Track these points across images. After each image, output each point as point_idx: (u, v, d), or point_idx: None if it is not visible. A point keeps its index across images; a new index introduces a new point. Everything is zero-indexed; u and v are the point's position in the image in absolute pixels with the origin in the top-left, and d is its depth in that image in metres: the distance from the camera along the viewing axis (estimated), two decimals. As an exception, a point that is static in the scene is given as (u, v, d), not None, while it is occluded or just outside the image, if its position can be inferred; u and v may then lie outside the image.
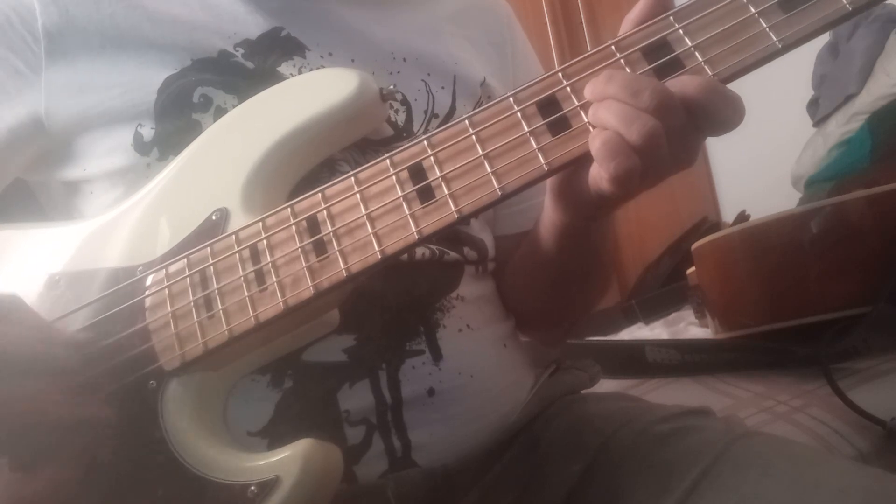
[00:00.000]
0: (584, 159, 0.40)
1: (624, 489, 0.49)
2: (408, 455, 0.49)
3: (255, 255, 0.44)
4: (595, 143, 0.39)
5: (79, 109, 0.51)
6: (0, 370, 0.41)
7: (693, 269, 0.99)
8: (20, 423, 0.42)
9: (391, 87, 0.48)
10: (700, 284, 0.96)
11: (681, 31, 0.39)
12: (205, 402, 0.46)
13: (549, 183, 0.47)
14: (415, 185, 0.42)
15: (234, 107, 0.50)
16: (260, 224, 0.45)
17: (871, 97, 1.32)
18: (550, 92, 0.41)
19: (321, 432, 0.43)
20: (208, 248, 0.45)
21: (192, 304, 0.45)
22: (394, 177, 0.42)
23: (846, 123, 1.35)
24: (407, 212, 0.41)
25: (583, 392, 0.63)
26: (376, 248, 0.42)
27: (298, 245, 0.43)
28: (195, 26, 0.52)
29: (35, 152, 0.54)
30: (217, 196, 0.47)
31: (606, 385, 0.67)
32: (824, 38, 1.50)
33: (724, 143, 2.01)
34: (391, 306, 0.50)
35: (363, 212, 0.42)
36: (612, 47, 0.41)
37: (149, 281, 0.46)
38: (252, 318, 0.43)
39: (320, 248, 0.43)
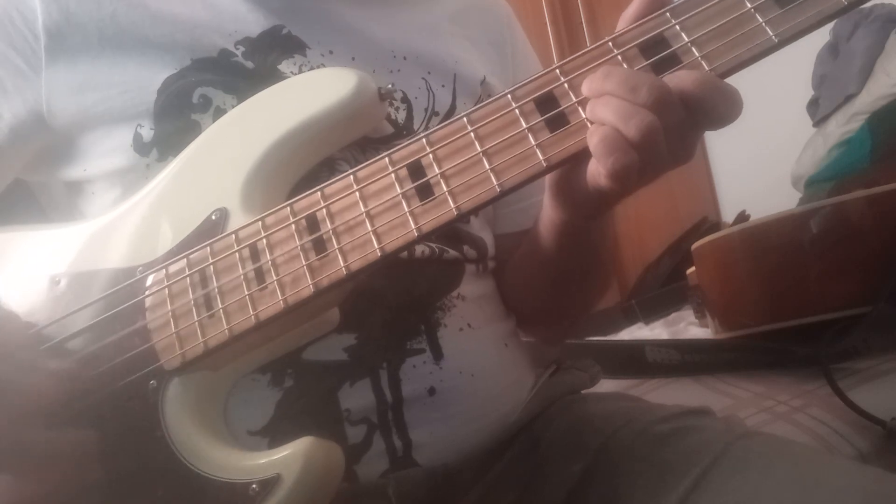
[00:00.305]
0: (583, 155, 0.40)
1: (624, 489, 0.49)
2: (408, 454, 0.48)
3: (255, 254, 0.44)
4: (593, 140, 0.39)
5: (79, 108, 0.51)
6: None
7: (693, 269, 0.99)
8: (20, 425, 0.42)
9: (390, 86, 0.48)
10: (700, 284, 0.96)
11: (677, 27, 0.39)
12: (205, 402, 0.46)
13: (548, 180, 0.47)
14: (414, 183, 0.42)
15: (233, 107, 0.50)
16: (259, 223, 0.45)
17: (871, 97, 1.32)
18: (548, 88, 0.41)
19: (322, 431, 0.43)
20: (208, 248, 0.46)
21: (192, 303, 0.45)
22: (393, 174, 0.42)
23: (846, 123, 1.35)
24: (406, 209, 0.42)
25: (583, 392, 0.63)
26: (376, 246, 0.42)
27: (298, 243, 0.43)
28: (196, 25, 0.52)
29: (36, 151, 0.54)
30: (216, 196, 0.47)
31: (606, 385, 0.67)
32: (824, 38, 1.50)
33: (724, 142, 2.02)
34: (392, 305, 0.50)
35: (362, 210, 0.42)
36: (610, 44, 0.41)
37: (149, 281, 0.46)
38: (252, 317, 0.43)
39: (320, 246, 0.43)
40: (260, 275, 0.44)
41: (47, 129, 0.52)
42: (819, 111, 1.47)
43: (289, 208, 0.44)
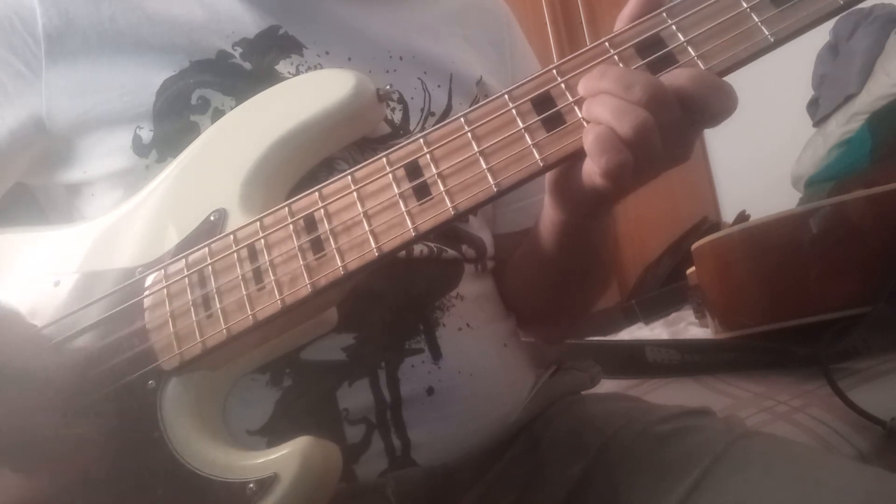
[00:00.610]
0: (580, 155, 0.40)
1: (625, 489, 0.49)
2: (407, 454, 0.49)
3: (253, 255, 0.44)
4: (588, 138, 0.39)
5: (79, 111, 0.51)
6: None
7: (693, 269, 0.99)
8: (20, 426, 0.42)
9: (388, 87, 0.48)
10: (700, 284, 0.96)
11: (674, 27, 0.40)
12: (204, 402, 0.46)
13: (547, 180, 0.47)
14: (411, 183, 0.42)
15: (231, 108, 0.50)
16: (258, 223, 0.45)
17: (871, 97, 1.32)
18: (545, 89, 0.41)
19: (321, 431, 0.43)
20: (206, 248, 0.46)
21: (191, 303, 0.45)
22: (390, 175, 0.42)
23: (846, 123, 1.35)
24: (403, 209, 0.42)
25: (583, 392, 0.63)
26: (373, 246, 0.42)
27: (296, 243, 0.44)
28: (194, 27, 0.52)
29: (36, 154, 0.54)
30: (215, 197, 0.47)
31: (606, 385, 0.67)
32: (824, 38, 1.50)
33: (724, 143, 2.02)
34: (390, 305, 0.50)
35: (360, 210, 0.43)
36: (606, 44, 0.41)
37: (148, 281, 0.46)
38: (250, 317, 0.43)
39: (317, 246, 0.43)
40: (258, 275, 0.44)
41: (47, 132, 0.52)
42: (819, 111, 1.47)
43: (287, 208, 0.45)
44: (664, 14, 0.40)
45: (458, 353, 0.52)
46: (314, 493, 0.42)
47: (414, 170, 0.42)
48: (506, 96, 0.42)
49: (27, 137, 0.53)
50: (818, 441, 0.66)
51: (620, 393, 0.67)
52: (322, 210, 0.43)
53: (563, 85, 0.41)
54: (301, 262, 0.43)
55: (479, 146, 0.41)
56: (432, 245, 0.53)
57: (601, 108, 0.39)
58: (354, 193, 0.43)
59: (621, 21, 0.41)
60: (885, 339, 0.76)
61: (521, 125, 0.41)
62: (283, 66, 0.53)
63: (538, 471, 0.53)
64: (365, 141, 0.52)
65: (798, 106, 1.55)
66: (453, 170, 0.41)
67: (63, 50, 0.51)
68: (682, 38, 0.39)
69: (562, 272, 0.57)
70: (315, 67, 0.53)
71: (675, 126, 0.39)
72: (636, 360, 0.90)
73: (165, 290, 0.46)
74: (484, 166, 0.41)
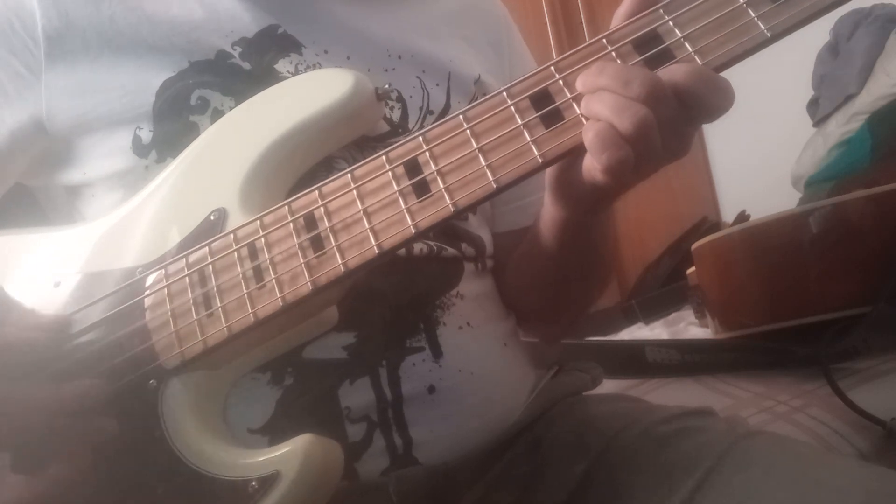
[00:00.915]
0: (579, 151, 0.40)
1: (627, 490, 0.49)
2: (409, 452, 0.49)
3: (253, 253, 0.44)
4: (588, 135, 0.39)
5: (78, 112, 0.51)
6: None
7: (693, 269, 0.99)
8: (20, 427, 0.42)
9: (386, 86, 0.49)
10: (700, 284, 0.96)
11: (671, 23, 0.40)
12: (205, 401, 0.46)
13: (547, 177, 0.48)
14: (410, 180, 0.42)
15: (230, 109, 0.50)
16: (258, 222, 0.45)
17: (871, 97, 1.32)
18: (543, 85, 0.41)
19: (322, 429, 0.44)
20: (207, 248, 0.46)
21: (192, 302, 0.45)
22: (390, 172, 0.43)
23: (846, 123, 1.35)
24: (403, 206, 0.42)
25: (584, 393, 0.63)
26: (373, 243, 0.42)
27: (296, 241, 0.44)
28: (193, 27, 0.52)
29: (36, 155, 0.54)
30: (215, 197, 0.47)
31: (606, 385, 0.67)
32: (824, 38, 1.50)
33: (724, 142, 2.02)
34: (391, 303, 0.50)
35: (359, 207, 0.43)
36: (604, 40, 0.41)
37: (148, 281, 0.47)
38: (251, 315, 0.43)
39: (317, 244, 0.43)
40: (258, 273, 0.44)
41: (47, 133, 0.52)
42: (819, 111, 1.47)
43: (287, 207, 0.45)
44: (661, 10, 0.40)
45: (459, 352, 0.52)
46: (316, 491, 0.42)
47: (413, 167, 0.42)
48: (504, 93, 0.42)
49: (27, 138, 0.53)
50: (818, 441, 0.66)
51: (621, 394, 0.67)
52: (322, 208, 0.44)
53: (561, 81, 0.41)
54: (301, 261, 0.43)
55: (477, 143, 0.41)
56: (432, 243, 0.53)
57: (600, 104, 0.39)
58: (354, 191, 0.43)
59: (618, 18, 0.42)
60: (885, 339, 0.76)
61: (519, 122, 0.41)
62: (282, 66, 0.53)
63: (539, 471, 0.53)
64: (364, 139, 0.52)
65: (798, 106, 1.55)
66: (452, 167, 0.41)
67: (63, 51, 0.51)
68: (679, 34, 0.39)
69: (562, 270, 0.57)
70: (314, 66, 0.54)
71: (673, 121, 0.39)
72: (636, 360, 0.90)
73: (166, 290, 0.46)
74: (483, 163, 0.41)
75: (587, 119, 0.40)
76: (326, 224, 0.43)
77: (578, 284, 0.60)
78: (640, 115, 0.38)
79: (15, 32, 0.52)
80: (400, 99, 0.55)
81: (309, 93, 0.49)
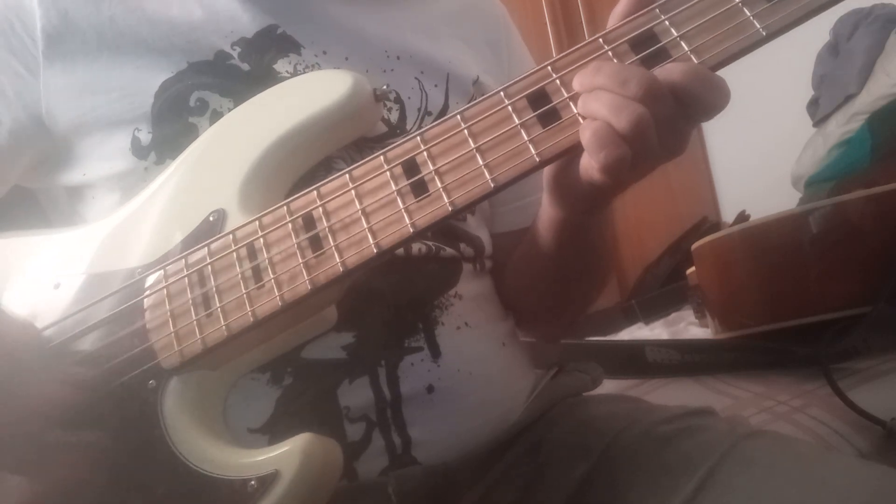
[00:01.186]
0: (576, 150, 0.41)
1: (629, 491, 0.49)
2: (408, 451, 0.49)
3: (252, 253, 0.45)
4: (585, 134, 0.39)
5: (77, 113, 0.52)
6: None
7: (693, 269, 0.99)
8: (20, 428, 0.42)
9: (385, 87, 0.49)
10: (700, 284, 0.96)
11: (667, 23, 0.40)
12: (204, 401, 0.46)
13: (545, 178, 0.48)
14: (408, 180, 0.42)
15: (229, 110, 0.51)
16: (256, 223, 0.45)
17: (871, 97, 1.32)
18: (540, 85, 0.41)
19: (321, 429, 0.44)
20: (206, 248, 0.46)
21: (191, 302, 0.45)
22: (388, 172, 0.43)
23: (846, 123, 1.35)
24: (401, 206, 0.42)
25: (584, 394, 0.63)
26: (371, 243, 0.42)
27: (294, 242, 0.44)
28: (193, 27, 0.53)
29: (35, 156, 0.55)
30: (214, 198, 0.48)
31: (606, 385, 0.67)
32: (824, 38, 1.50)
33: (724, 142, 2.02)
34: (389, 303, 0.50)
35: (358, 207, 0.43)
36: (600, 40, 0.41)
37: (148, 282, 0.47)
38: (250, 315, 0.44)
39: (316, 244, 0.43)
40: (257, 273, 0.44)
41: (46, 133, 0.52)
42: (819, 111, 1.47)
43: (285, 207, 0.45)
44: (657, 10, 0.40)
45: (457, 352, 0.52)
46: (315, 490, 0.42)
47: (411, 167, 0.42)
48: (501, 93, 0.42)
49: (27, 139, 0.53)
50: (818, 441, 0.66)
51: (622, 394, 0.67)
52: (320, 208, 0.44)
53: (557, 81, 0.41)
54: (300, 260, 0.43)
55: (475, 143, 0.41)
56: (430, 243, 0.53)
57: (598, 103, 0.39)
58: (352, 191, 0.43)
59: (614, 18, 0.42)
60: (885, 339, 0.76)
61: (516, 121, 0.41)
62: (280, 66, 0.53)
63: (540, 472, 0.53)
64: (362, 140, 0.52)
65: (798, 106, 1.55)
66: (450, 166, 0.42)
67: (62, 51, 0.51)
68: (676, 33, 0.40)
69: (560, 270, 0.57)
70: (313, 67, 0.54)
71: (670, 120, 0.39)
72: (636, 360, 0.90)
73: (165, 290, 0.46)
74: (481, 162, 0.41)
75: (584, 118, 0.40)
76: (325, 224, 0.43)
77: (577, 284, 0.60)
78: (638, 114, 0.38)
79: (15, 32, 0.52)
80: (398, 100, 0.55)
81: (308, 94, 0.49)
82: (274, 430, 0.47)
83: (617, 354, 0.93)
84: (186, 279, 0.45)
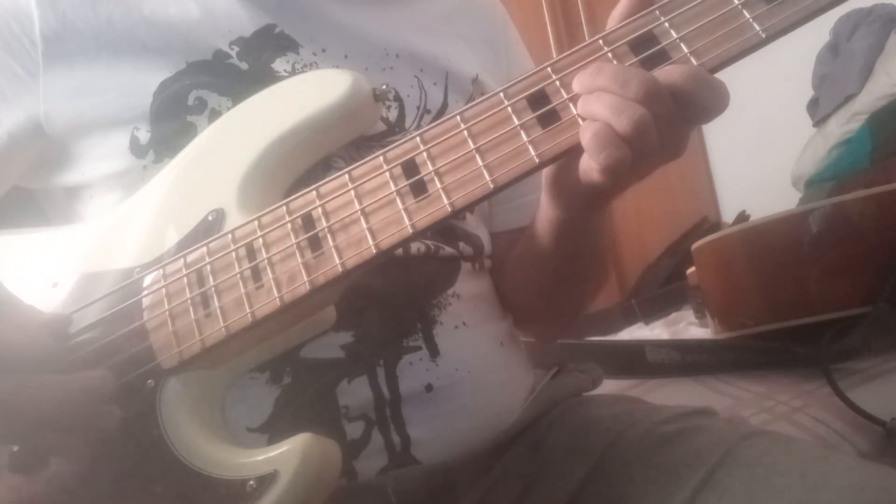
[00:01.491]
0: (575, 151, 0.41)
1: (630, 491, 0.49)
2: (407, 450, 0.49)
3: (251, 253, 0.45)
4: (585, 135, 0.39)
5: (76, 113, 0.51)
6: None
7: (693, 269, 0.99)
8: (18, 427, 0.42)
9: (384, 86, 0.49)
10: (700, 284, 0.96)
11: (666, 24, 0.40)
12: (203, 400, 0.46)
13: (543, 178, 0.48)
14: (408, 180, 0.42)
15: (228, 109, 0.50)
16: (255, 222, 0.45)
17: (871, 97, 1.32)
18: (540, 86, 0.41)
19: (320, 428, 0.44)
20: (205, 248, 0.46)
21: (189, 302, 0.45)
22: (387, 173, 0.43)
23: (846, 123, 1.35)
24: (401, 206, 0.42)
25: (585, 395, 0.63)
26: (371, 243, 0.42)
27: (294, 241, 0.44)
28: (191, 27, 0.53)
29: (34, 157, 0.54)
30: (213, 197, 0.48)
31: (606, 385, 0.67)
32: (824, 38, 1.50)
33: (724, 142, 2.02)
34: (388, 303, 0.51)
35: (357, 207, 0.43)
36: (600, 41, 0.41)
37: (146, 281, 0.47)
38: (249, 315, 0.43)
39: (315, 244, 0.43)
40: (256, 273, 0.44)
41: (45, 134, 0.52)
42: (819, 111, 1.47)
43: (284, 207, 0.45)
44: (657, 11, 0.40)
45: (456, 351, 0.52)
46: (314, 490, 0.42)
47: (410, 167, 0.42)
48: (501, 94, 0.42)
49: (25, 140, 0.53)
50: (818, 441, 0.66)
51: (622, 394, 0.67)
52: (320, 208, 0.44)
53: (557, 82, 0.41)
54: (299, 260, 0.43)
55: (474, 143, 0.41)
56: (429, 243, 0.53)
57: (598, 104, 0.39)
58: (352, 191, 0.43)
59: (614, 19, 0.42)
60: (885, 339, 0.76)
61: (516, 122, 0.41)
62: (279, 65, 0.53)
63: (540, 472, 0.53)
64: (361, 139, 0.52)
65: (798, 106, 1.55)
66: (450, 167, 0.42)
67: (60, 52, 0.51)
68: (675, 35, 0.40)
69: (558, 270, 0.57)
70: (311, 65, 0.54)
71: (669, 121, 0.39)
72: (636, 361, 0.90)
73: (164, 290, 0.46)
74: (480, 163, 0.41)
75: (584, 119, 0.40)
76: (324, 224, 0.43)
77: (574, 284, 0.60)
78: (638, 115, 0.38)
79: (13, 34, 0.52)
80: (397, 98, 0.55)
81: (306, 93, 0.49)
82: (273, 430, 0.47)
83: (617, 354, 0.93)
84: (185, 279, 0.45)
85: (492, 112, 0.42)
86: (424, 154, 0.42)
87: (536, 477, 0.53)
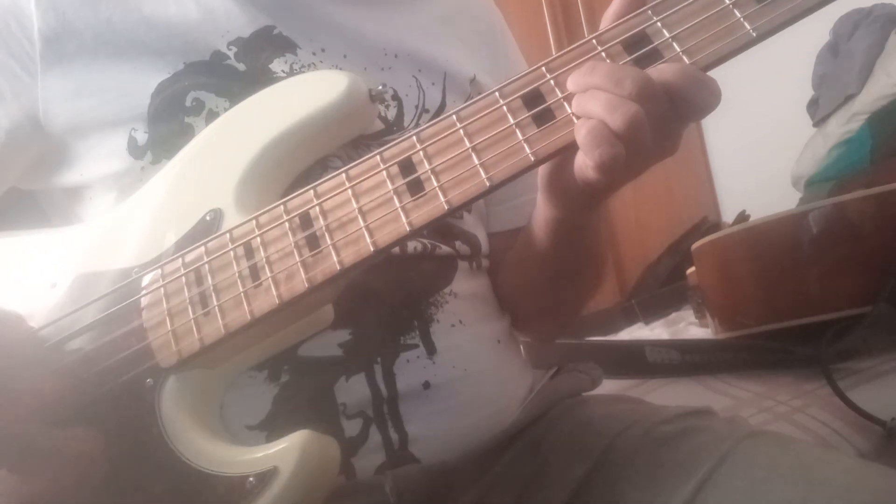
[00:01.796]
0: (570, 149, 0.41)
1: (629, 491, 0.49)
2: (405, 447, 0.49)
3: (249, 252, 0.45)
4: (580, 132, 0.39)
5: (74, 113, 0.52)
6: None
7: (693, 269, 0.99)
8: (17, 427, 0.42)
9: (380, 87, 0.49)
10: (700, 284, 0.96)
11: (659, 24, 0.40)
12: (202, 399, 0.46)
13: (539, 177, 0.48)
14: (405, 179, 0.42)
15: (225, 110, 0.51)
16: (253, 222, 0.45)
17: (871, 97, 1.32)
18: (535, 85, 0.42)
19: (319, 425, 0.44)
20: (203, 247, 0.46)
21: (188, 301, 0.45)
22: (384, 171, 0.43)
23: (846, 123, 1.35)
24: (398, 205, 0.42)
25: (584, 394, 0.63)
26: (368, 241, 0.42)
27: (292, 240, 0.44)
28: (189, 27, 0.53)
29: (32, 157, 0.55)
30: (211, 197, 0.48)
31: (606, 385, 0.67)
32: (824, 38, 1.50)
33: (724, 143, 2.01)
34: (385, 301, 0.51)
35: (355, 206, 0.43)
36: (594, 41, 0.42)
37: (145, 281, 0.47)
38: (247, 314, 0.44)
39: (313, 242, 0.43)
40: (254, 272, 0.44)
41: (44, 134, 0.53)
42: (819, 111, 1.47)
43: (282, 206, 0.45)
44: (649, 11, 0.41)
45: (452, 349, 0.52)
46: (313, 486, 0.42)
47: (407, 166, 0.43)
48: (496, 93, 0.42)
49: (24, 140, 0.53)
50: (818, 441, 0.66)
51: (622, 394, 0.67)
52: (317, 207, 0.44)
53: (552, 81, 0.41)
54: (297, 259, 0.43)
55: (471, 142, 0.42)
56: (426, 241, 0.54)
57: (593, 102, 0.39)
58: (349, 190, 0.43)
59: (607, 19, 0.42)
60: (885, 339, 0.76)
61: (511, 121, 0.41)
62: (276, 66, 0.53)
63: (539, 472, 0.53)
64: (359, 137, 0.52)
65: (798, 106, 1.55)
66: (446, 165, 0.42)
67: (59, 52, 0.52)
68: (668, 35, 0.40)
69: (555, 269, 0.57)
70: (310, 66, 0.54)
71: (663, 119, 0.39)
72: (636, 361, 0.90)
73: (162, 289, 0.46)
74: (476, 162, 0.41)
75: (578, 117, 0.40)
76: (322, 223, 0.43)
77: (572, 284, 0.60)
78: (632, 113, 0.38)
79: (12, 34, 0.52)
80: (396, 97, 0.55)
81: (303, 94, 0.49)
82: (271, 427, 0.47)
83: (617, 354, 0.93)
84: (183, 278, 0.46)
85: (487, 111, 0.42)
86: (421, 153, 0.42)
87: (535, 477, 0.53)
